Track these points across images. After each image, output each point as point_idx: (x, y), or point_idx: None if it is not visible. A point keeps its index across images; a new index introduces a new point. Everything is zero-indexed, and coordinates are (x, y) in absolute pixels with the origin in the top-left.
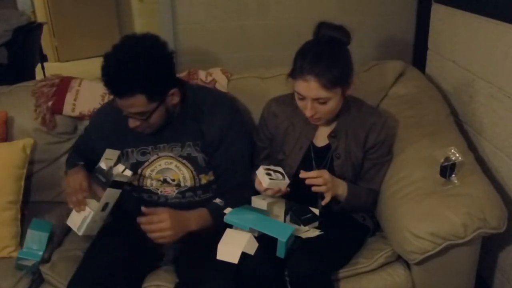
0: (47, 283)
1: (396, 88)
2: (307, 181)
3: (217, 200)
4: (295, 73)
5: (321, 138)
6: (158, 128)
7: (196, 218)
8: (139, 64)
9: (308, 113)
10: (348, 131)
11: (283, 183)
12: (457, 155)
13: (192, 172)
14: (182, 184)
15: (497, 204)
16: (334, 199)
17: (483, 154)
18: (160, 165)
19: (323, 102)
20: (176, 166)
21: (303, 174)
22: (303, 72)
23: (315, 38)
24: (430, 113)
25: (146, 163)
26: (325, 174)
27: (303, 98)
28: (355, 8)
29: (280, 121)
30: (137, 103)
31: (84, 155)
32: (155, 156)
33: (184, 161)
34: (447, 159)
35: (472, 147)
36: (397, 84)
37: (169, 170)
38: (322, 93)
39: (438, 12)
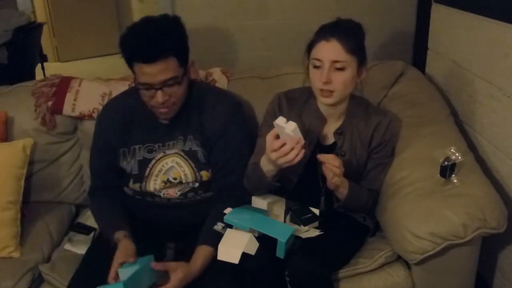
0: (47, 283)
1: (396, 88)
2: (321, 158)
3: (219, 227)
4: (315, 40)
5: (327, 137)
6: (177, 111)
7: (204, 264)
8: (170, 26)
9: (323, 78)
10: (353, 130)
11: (301, 135)
12: (457, 155)
13: (193, 169)
14: (183, 181)
15: (497, 204)
16: (335, 196)
17: (483, 154)
18: (167, 163)
19: (341, 68)
20: (177, 163)
21: (321, 156)
22: (325, 35)
23: None
24: (430, 113)
25: (153, 161)
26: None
27: (319, 65)
28: (355, 8)
29: (289, 115)
30: (169, 66)
31: (109, 169)
32: (161, 154)
33: (186, 156)
34: (447, 159)
35: (472, 147)
36: (397, 84)
37: (172, 169)
38: (342, 55)
39: (438, 12)
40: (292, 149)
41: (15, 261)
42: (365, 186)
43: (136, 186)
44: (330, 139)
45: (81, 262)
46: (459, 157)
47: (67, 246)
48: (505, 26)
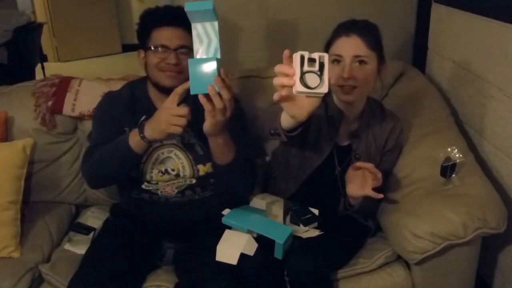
0: (47, 283)
1: (396, 88)
2: (366, 166)
3: None
4: (335, 36)
5: (343, 138)
6: (181, 83)
7: (229, 137)
8: None
9: (346, 73)
10: (369, 133)
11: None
12: (458, 155)
13: (190, 161)
14: (181, 174)
15: (497, 204)
16: (348, 202)
17: (483, 154)
18: (163, 153)
19: (362, 62)
20: (175, 154)
21: (361, 164)
22: (346, 31)
23: None
24: (430, 113)
25: (150, 149)
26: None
27: (340, 60)
28: (355, 8)
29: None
30: (187, 36)
31: (111, 134)
32: (158, 143)
33: (185, 148)
34: (447, 159)
35: (472, 147)
36: (397, 84)
37: (170, 159)
38: (363, 50)
39: (438, 12)
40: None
41: (15, 261)
42: None
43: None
44: (345, 141)
45: (81, 262)
46: (460, 157)
47: (67, 246)
48: (505, 26)
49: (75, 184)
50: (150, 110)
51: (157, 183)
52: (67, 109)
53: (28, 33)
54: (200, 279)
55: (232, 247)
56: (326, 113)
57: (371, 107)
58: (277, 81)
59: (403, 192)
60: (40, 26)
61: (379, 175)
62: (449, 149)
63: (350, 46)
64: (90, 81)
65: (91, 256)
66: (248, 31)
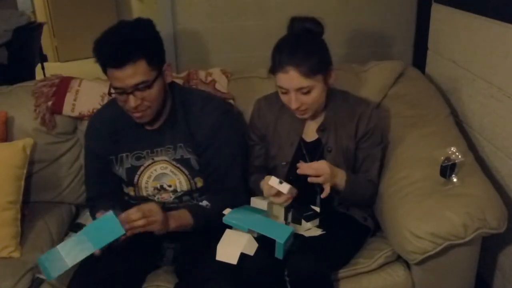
0: (47, 283)
1: (396, 88)
2: (300, 171)
3: (203, 203)
4: (274, 68)
5: (311, 133)
6: (154, 115)
7: (176, 220)
8: (138, 29)
9: (293, 105)
10: (336, 124)
11: (294, 190)
12: (458, 155)
13: (187, 176)
14: (178, 190)
15: (497, 204)
16: (334, 189)
17: (483, 154)
18: (155, 170)
19: (306, 92)
20: (171, 171)
21: (301, 170)
22: (282, 65)
23: (289, 32)
24: (430, 113)
25: (142, 168)
26: (322, 164)
27: (286, 91)
28: (355, 8)
29: (269, 119)
30: (138, 70)
31: (101, 178)
32: (150, 161)
33: (178, 165)
34: (447, 159)
35: (472, 147)
36: (397, 84)
37: (165, 176)
38: (304, 82)
39: (438, 12)
40: (288, 198)
41: (15, 261)
42: None
43: (131, 190)
44: (314, 135)
45: (81, 262)
46: (459, 157)
47: None
48: (505, 26)
49: (75, 184)
50: (132, 124)
51: (154, 196)
52: (67, 109)
53: (28, 33)
54: (200, 279)
55: (232, 247)
56: (278, 122)
57: (334, 99)
58: (282, 199)
59: (403, 192)
60: (40, 26)
61: (315, 165)
62: (449, 149)
63: (290, 82)
64: (90, 81)
65: (91, 256)
66: (248, 31)
